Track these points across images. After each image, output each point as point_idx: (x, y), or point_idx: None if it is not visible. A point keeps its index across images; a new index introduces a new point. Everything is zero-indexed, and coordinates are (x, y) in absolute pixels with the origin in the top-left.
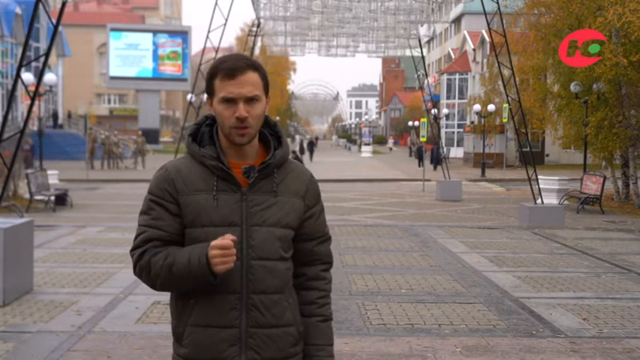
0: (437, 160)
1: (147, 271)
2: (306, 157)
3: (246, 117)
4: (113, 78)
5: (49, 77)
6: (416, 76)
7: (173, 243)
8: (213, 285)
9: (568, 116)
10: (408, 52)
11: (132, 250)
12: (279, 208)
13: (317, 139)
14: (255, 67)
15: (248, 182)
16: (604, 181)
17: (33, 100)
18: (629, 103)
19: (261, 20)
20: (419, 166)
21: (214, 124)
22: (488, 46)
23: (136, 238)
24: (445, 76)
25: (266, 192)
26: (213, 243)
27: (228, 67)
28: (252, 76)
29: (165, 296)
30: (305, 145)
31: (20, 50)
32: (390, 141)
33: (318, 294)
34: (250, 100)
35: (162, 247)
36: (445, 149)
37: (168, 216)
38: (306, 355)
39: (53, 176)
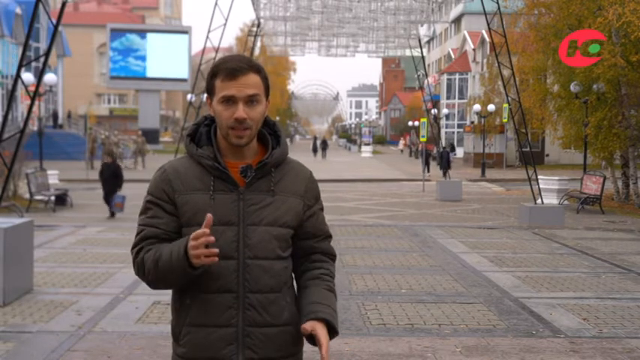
0: (447, 164)
1: (142, 269)
2: (318, 155)
3: (245, 118)
4: (113, 78)
5: (49, 77)
6: (416, 76)
7: (169, 241)
8: (210, 284)
9: (568, 116)
10: (408, 52)
11: (131, 250)
12: (276, 207)
13: (316, 138)
14: (256, 69)
15: (245, 182)
16: (604, 181)
17: (33, 100)
18: (629, 103)
19: (261, 20)
20: (427, 170)
21: (212, 124)
22: (488, 46)
23: (135, 237)
24: (445, 76)
25: (263, 191)
26: (192, 234)
27: (230, 67)
28: (254, 78)
29: (165, 296)
30: (319, 144)
31: (20, 50)
32: (401, 142)
33: (322, 271)
34: (250, 101)
35: (158, 244)
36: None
37: (165, 215)
38: (309, 311)
39: (53, 176)
